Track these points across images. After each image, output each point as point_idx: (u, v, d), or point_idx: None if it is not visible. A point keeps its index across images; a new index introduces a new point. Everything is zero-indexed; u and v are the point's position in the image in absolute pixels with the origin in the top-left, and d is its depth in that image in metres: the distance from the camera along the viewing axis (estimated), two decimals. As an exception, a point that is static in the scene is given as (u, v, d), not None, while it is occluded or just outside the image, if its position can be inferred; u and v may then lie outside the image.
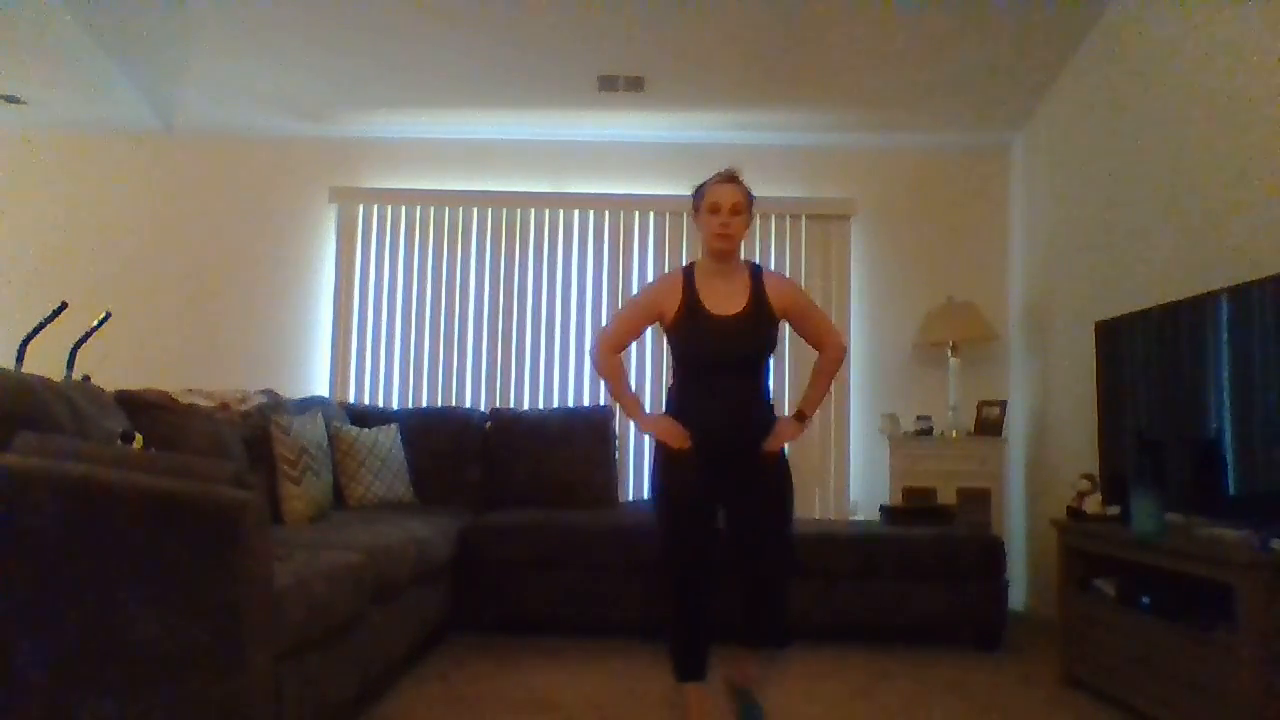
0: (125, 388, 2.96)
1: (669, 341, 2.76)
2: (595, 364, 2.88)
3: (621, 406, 2.86)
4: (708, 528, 2.65)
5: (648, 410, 2.98)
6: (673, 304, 2.70)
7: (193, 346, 5.22)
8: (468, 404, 5.19)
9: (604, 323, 5.17)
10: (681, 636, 2.66)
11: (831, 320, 2.90)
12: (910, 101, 4.81)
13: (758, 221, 5.16)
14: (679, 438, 2.64)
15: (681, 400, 2.72)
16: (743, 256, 2.89)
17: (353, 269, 5.25)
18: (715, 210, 2.65)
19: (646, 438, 5.05)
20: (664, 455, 2.71)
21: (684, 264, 2.87)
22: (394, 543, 3.04)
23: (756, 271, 2.75)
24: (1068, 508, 3.52)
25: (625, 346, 2.86)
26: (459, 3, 4.11)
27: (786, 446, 2.79)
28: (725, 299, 2.67)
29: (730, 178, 2.71)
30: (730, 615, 2.70)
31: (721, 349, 2.65)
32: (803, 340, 2.89)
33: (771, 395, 2.81)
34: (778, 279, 2.80)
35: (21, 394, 2.28)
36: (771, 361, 2.82)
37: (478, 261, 5.27)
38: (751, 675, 2.70)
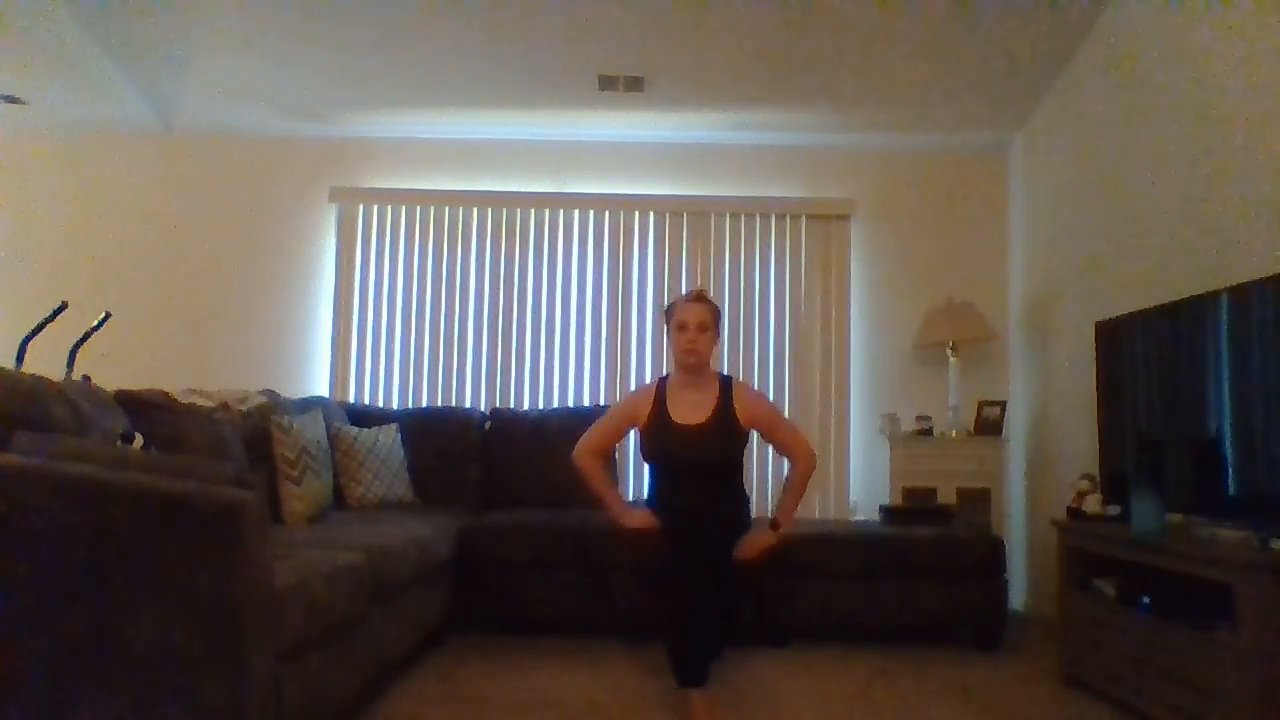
0: (125, 388, 2.96)
1: (641, 448, 3.00)
2: (577, 467, 3.09)
3: (603, 504, 3.06)
4: (703, 564, 2.74)
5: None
6: (644, 412, 2.94)
7: (193, 346, 5.22)
8: (468, 404, 5.19)
9: (603, 328, 5.21)
10: (682, 652, 2.69)
11: (800, 431, 3.11)
12: (910, 101, 4.81)
13: (757, 222, 5.16)
14: (651, 523, 2.86)
15: (657, 497, 2.96)
16: (730, 309, 3.24)
17: (353, 269, 5.25)
18: (683, 328, 2.87)
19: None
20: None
21: (660, 376, 3.14)
22: (394, 543, 3.04)
23: (726, 384, 2.94)
24: (1068, 508, 3.52)
25: (606, 450, 3.11)
26: (459, 3, 4.11)
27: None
28: (691, 410, 2.87)
29: (698, 297, 2.94)
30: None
31: (685, 456, 2.86)
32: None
33: (747, 495, 3.05)
34: (745, 392, 3.01)
35: (21, 394, 2.28)
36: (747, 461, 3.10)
37: (478, 261, 5.27)
38: None
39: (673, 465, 2.88)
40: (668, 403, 2.90)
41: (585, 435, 3.08)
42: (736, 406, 2.88)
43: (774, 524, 2.93)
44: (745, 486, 3.06)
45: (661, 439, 2.88)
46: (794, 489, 2.98)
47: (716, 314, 2.94)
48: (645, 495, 3.07)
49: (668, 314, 2.95)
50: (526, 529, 3.91)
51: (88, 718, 1.95)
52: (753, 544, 2.87)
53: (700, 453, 2.85)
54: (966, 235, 5.25)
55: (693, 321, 2.85)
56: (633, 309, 5.22)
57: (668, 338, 2.97)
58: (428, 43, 4.41)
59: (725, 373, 3.09)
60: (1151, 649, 2.82)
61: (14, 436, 2.10)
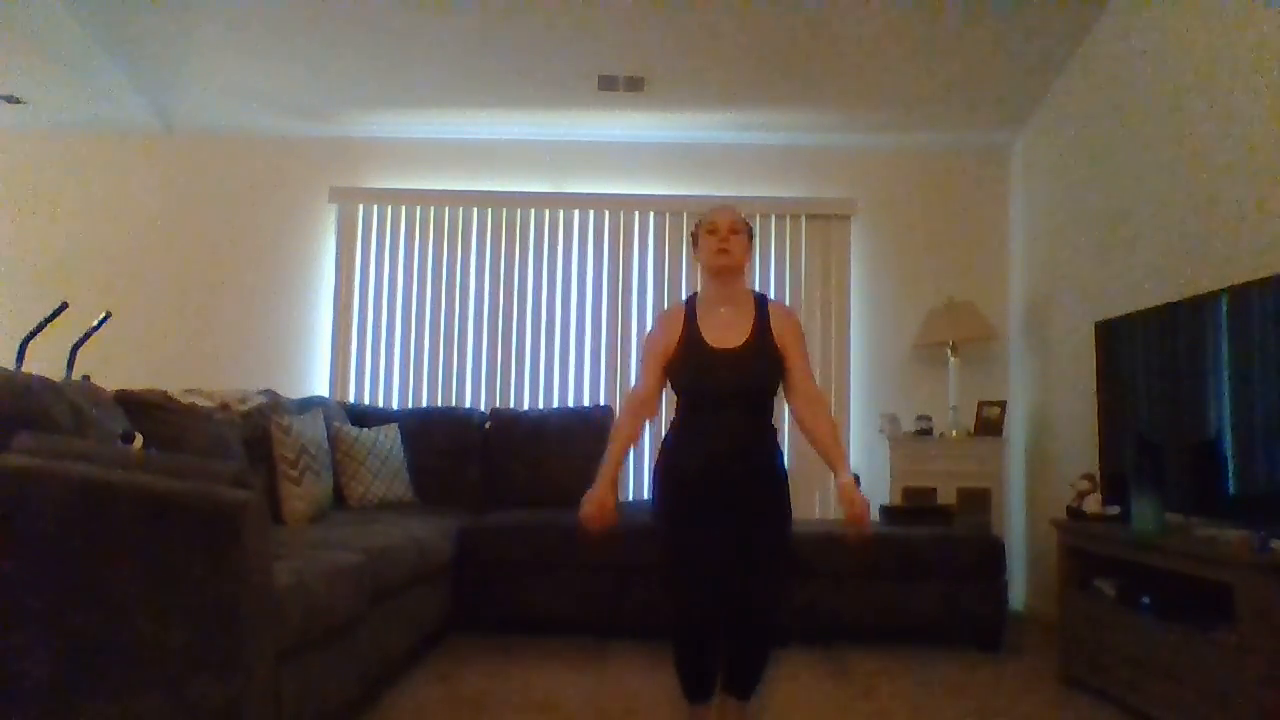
0: (125, 388, 2.96)
1: (668, 374, 2.64)
2: (617, 421, 2.71)
3: (603, 465, 2.63)
4: (711, 564, 2.55)
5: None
6: (674, 336, 2.60)
7: (193, 346, 5.22)
8: (468, 404, 5.19)
9: (603, 328, 5.20)
10: (688, 667, 2.59)
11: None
12: (910, 101, 4.81)
13: (757, 222, 5.15)
14: (593, 519, 2.48)
15: (680, 434, 2.61)
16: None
17: (353, 269, 5.25)
18: (713, 231, 2.60)
19: (647, 433, 5.04)
20: (663, 492, 2.61)
21: (688, 295, 2.76)
22: (394, 543, 3.04)
23: (762, 302, 2.64)
24: (1068, 508, 3.52)
25: (655, 397, 2.67)
26: (459, 3, 4.11)
27: (786, 479, 2.63)
28: (726, 330, 2.58)
29: (728, 206, 2.67)
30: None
31: (720, 383, 2.53)
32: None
33: (777, 431, 2.66)
34: (783, 309, 2.70)
35: (21, 394, 2.28)
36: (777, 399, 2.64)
37: (478, 261, 5.27)
38: None
39: (705, 394, 2.55)
40: (699, 323, 2.58)
41: (631, 391, 2.70)
42: (774, 324, 2.58)
43: (854, 479, 2.54)
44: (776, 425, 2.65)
45: (695, 365, 2.55)
46: (834, 437, 2.59)
47: (750, 228, 2.65)
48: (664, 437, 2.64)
49: (694, 229, 2.66)
50: (526, 529, 3.91)
51: (87, 717, 1.95)
52: (860, 514, 2.43)
53: (737, 378, 2.52)
54: (966, 235, 5.25)
55: (724, 223, 2.57)
56: (633, 309, 5.22)
57: (696, 255, 2.66)
58: (428, 43, 4.40)
59: (759, 291, 2.71)
60: (1151, 649, 2.82)
61: (14, 436, 2.10)
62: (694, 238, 2.70)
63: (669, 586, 2.60)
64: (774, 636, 2.65)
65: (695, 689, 2.61)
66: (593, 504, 2.49)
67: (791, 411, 2.65)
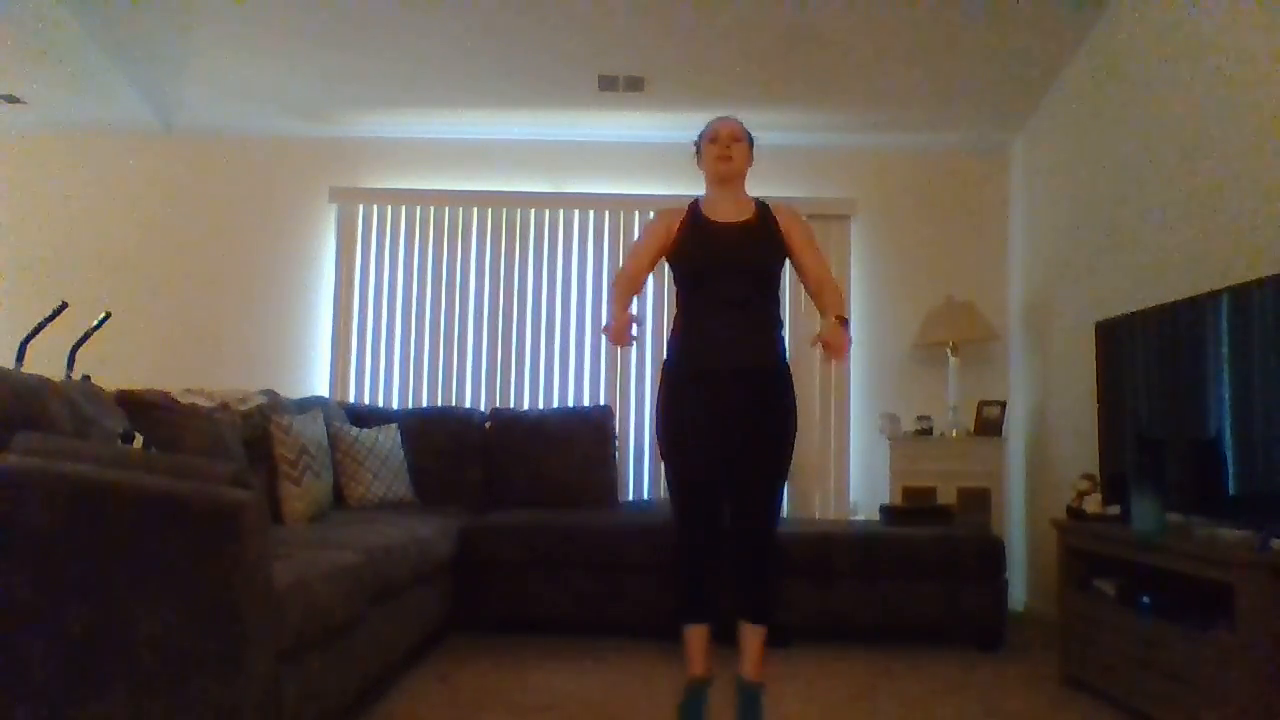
0: (125, 388, 2.96)
1: (672, 265, 2.78)
2: (612, 287, 2.89)
3: (613, 300, 2.80)
4: (713, 465, 2.64)
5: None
6: (675, 224, 2.75)
7: (193, 346, 5.22)
8: (468, 404, 5.19)
9: (604, 320, 5.20)
10: (686, 582, 2.66)
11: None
12: (910, 101, 4.81)
13: (758, 221, 5.16)
14: (618, 336, 2.63)
15: (685, 329, 2.72)
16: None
17: (353, 269, 5.25)
18: (715, 139, 2.74)
19: (647, 433, 5.10)
20: (665, 390, 2.73)
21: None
22: (394, 543, 3.04)
23: (763, 203, 2.80)
24: (1068, 508, 3.52)
25: (640, 279, 2.84)
26: (459, 3, 4.11)
27: (793, 385, 2.74)
28: (730, 212, 2.72)
29: (728, 116, 2.82)
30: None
31: (726, 257, 2.66)
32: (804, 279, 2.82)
33: (782, 322, 2.74)
34: (787, 208, 2.84)
35: (21, 394, 2.28)
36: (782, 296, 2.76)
37: (478, 261, 5.27)
38: (755, 667, 2.67)
39: (710, 269, 2.66)
40: (703, 209, 2.75)
41: (622, 265, 2.93)
42: (777, 217, 2.75)
43: (839, 319, 2.59)
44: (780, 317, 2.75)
45: (699, 240, 2.69)
46: (834, 288, 2.72)
47: (750, 136, 2.80)
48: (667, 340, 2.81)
49: (698, 142, 2.81)
50: (527, 529, 3.91)
51: (88, 716, 1.95)
52: (837, 342, 2.51)
53: (742, 252, 2.65)
54: (966, 235, 5.25)
55: (724, 132, 2.73)
56: (632, 309, 5.21)
57: (699, 164, 2.81)
58: (428, 42, 4.41)
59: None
60: (1151, 649, 2.82)
61: (14, 436, 2.10)
62: (697, 146, 2.83)
63: (673, 501, 2.71)
64: (774, 546, 2.71)
65: (691, 607, 2.66)
66: (616, 325, 2.65)
67: (807, 294, 2.82)
